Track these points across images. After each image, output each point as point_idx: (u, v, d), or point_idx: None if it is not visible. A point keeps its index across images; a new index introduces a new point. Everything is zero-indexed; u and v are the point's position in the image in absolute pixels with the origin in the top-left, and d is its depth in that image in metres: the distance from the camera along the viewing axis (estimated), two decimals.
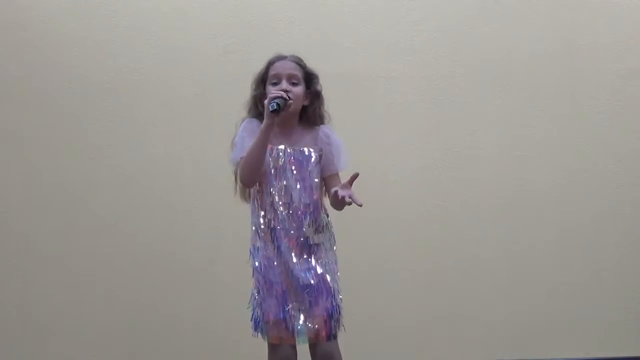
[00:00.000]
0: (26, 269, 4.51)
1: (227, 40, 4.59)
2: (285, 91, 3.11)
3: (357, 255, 4.39)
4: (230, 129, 3.23)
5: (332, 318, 3.12)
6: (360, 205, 3.01)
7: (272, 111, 3.02)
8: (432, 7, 4.70)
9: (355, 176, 3.03)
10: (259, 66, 3.25)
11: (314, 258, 3.15)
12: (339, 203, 3.03)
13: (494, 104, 4.71)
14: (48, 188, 4.53)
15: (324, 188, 3.24)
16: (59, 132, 4.54)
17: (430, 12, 4.69)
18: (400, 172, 4.65)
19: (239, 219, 4.55)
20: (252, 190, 3.20)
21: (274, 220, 3.14)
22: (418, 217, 4.64)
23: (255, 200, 3.19)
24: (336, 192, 3.02)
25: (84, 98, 4.55)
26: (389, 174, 4.64)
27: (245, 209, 4.52)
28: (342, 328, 3.17)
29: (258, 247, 3.17)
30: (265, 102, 3.07)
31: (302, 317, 3.09)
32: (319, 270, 3.14)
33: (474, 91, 4.70)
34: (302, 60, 3.24)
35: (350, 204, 3.02)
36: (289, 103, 3.09)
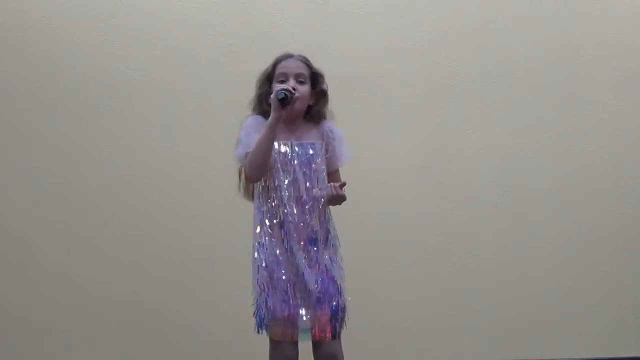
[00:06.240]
0: (25, 269, 4.51)
1: (229, 41, 4.59)
2: (292, 88, 3.11)
3: (357, 255, 4.38)
4: (232, 129, 3.23)
5: (337, 316, 3.12)
6: (345, 184, 3.15)
7: (279, 99, 3.01)
8: (432, 7, 4.70)
9: (343, 184, 3.14)
10: (260, 66, 3.25)
11: (322, 255, 3.13)
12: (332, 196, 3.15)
13: (494, 104, 4.71)
14: (47, 188, 4.52)
15: None
16: (58, 132, 4.54)
17: (430, 12, 4.70)
18: (400, 172, 4.65)
19: (239, 218, 4.57)
20: (256, 187, 3.18)
21: (282, 216, 3.11)
22: (418, 217, 4.64)
23: (261, 197, 3.16)
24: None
25: (84, 99, 4.55)
26: (389, 174, 4.63)
27: (245, 207, 4.53)
28: (345, 327, 3.16)
29: (264, 244, 3.13)
30: (272, 95, 3.07)
31: (307, 314, 3.08)
32: (326, 268, 3.13)
33: (474, 91, 4.71)
34: (308, 60, 3.25)
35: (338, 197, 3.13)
36: (295, 97, 3.08)
